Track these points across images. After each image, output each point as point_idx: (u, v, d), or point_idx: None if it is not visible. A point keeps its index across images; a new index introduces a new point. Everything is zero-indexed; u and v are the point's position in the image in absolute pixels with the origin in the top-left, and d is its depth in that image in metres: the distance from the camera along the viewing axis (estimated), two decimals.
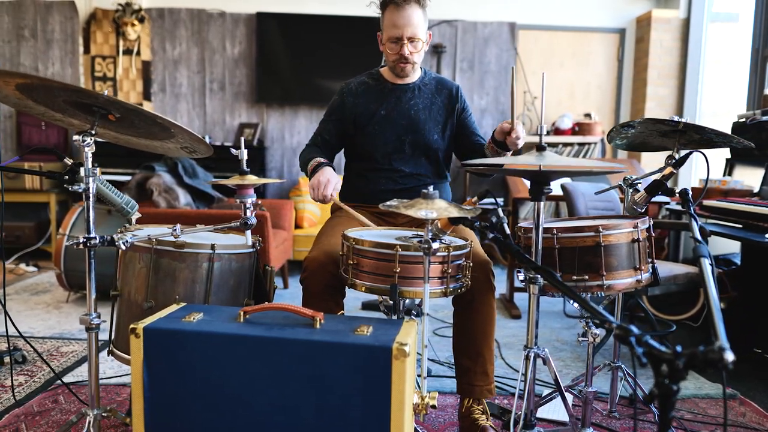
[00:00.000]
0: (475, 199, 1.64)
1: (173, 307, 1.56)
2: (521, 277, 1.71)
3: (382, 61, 2.26)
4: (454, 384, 2.01)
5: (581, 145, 5.20)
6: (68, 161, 1.59)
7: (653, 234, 1.84)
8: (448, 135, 2.26)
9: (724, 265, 3.48)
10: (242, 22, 5.31)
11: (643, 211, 1.86)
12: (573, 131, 5.24)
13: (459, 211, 1.45)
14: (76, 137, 1.53)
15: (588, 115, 5.35)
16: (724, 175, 3.81)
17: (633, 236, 1.74)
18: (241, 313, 1.46)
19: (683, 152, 1.83)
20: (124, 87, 5.31)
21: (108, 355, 1.85)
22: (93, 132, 1.54)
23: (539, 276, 1.66)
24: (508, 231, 1.44)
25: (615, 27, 5.43)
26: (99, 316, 1.62)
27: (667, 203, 3.56)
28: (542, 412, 2.20)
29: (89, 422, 1.61)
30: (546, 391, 2.18)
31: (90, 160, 1.55)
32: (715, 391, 2.46)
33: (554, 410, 2.21)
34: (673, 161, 1.76)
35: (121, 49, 5.26)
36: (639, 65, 5.36)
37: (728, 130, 3.45)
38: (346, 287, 1.82)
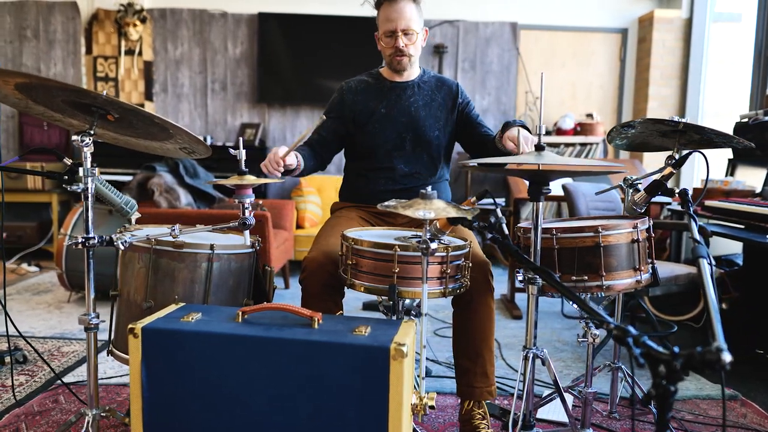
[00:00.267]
0: (474, 199, 1.64)
1: (172, 307, 1.56)
2: (520, 277, 1.71)
3: (382, 62, 2.26)
4: (454, 384, 2.00)
5: (583, 145, 5.19)
6: (67, 161, 1.60)
7: (653, 234, 1.83)
8: (449, 132, 2.25)
9: (726, 266, 3.47)
10: (244, 23, 5.32)
11: (642, 211, 1.85)
12: (575, 131, 5.23)
13: (457, 212, 1.45)
14: (74, 137, 1.53)
15: (590, 116, 5.34)
16: (726, 176, 3.79)
17: (632, 237, 1.74)
18: (240, 313, 1.46)
19: (683, 152, 1.83)
20: (125, 87, 5.32)
21: (107, 355, 1.85)
22: (92, 132, 1.54)
23: (538, 276, 1.66)
24: (506, 231, 1.43)
25: (617, 27, 5.42)
26: (98, 316, 1.62)
27: (669, 204, 3.56)
28: (542, 413, 2.20)
29: (88, 422, 1.62)
30: (546, 392, 2.17)
31: (89, 160, 1.55)
32: (717, 392, 2.45)
33: (554, 411, 2.20)
34: (673, 161, 1.75)
35: (123, 49, 5.27)
36: (641, 65, 5.35)
37: (731, 131, 3.45)
38: (346, 287, 1.82)
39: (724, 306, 3.23)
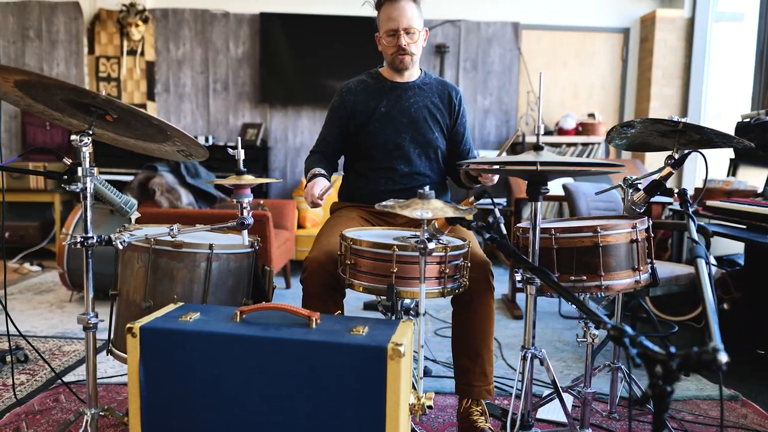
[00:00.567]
0: (472, 199, 1.64)
1: (170, 307, 1.56)
2: (518, 277, 1.71)
3: (383, 62, 2.26)
4: (453, 384, 2.00)
5: (585, 145, 5.18)
6: (67, 161, 1.60)
7: (652, 235, 1.83)
8: (446, 135, 2.26)
9: (728, 266, 3.46)
10: (246, 23, 5.32)
11: (642, 211, 1.85)
12: (576, 131, 5.22)
13: (455, 212, 1.45)
14: (73, 137, 1.54)
15: (592, 115, 5.34)
16: (728, 176, 3.78)
17: (631, 237, 1.73)
18: (238, 313, 1.46)
19: (682, 152, 1.82)
20: (128, 87, 5.33)
21: (107, 355, 1.85)
22: (90, 132, 1.55)
23: (536, 276, 1.66)
24: (504, 231, 1.43)
25: (619, 27, 5.41)
26: (96, 316, 1.62)
27: (671, 204, 3.55)
28: (542, 413, 2.19)
29: (86, 421, 1.62)
30: (546, 392, 2.17)
31: (87, 159, 1.55)
32: (717, 392, 2.44)
33: (554, 411, 2.20)
34: (673, 161, 1.75)
35: (125, 49, 5.28)
36: (643, 65, 5.34)
37: (733, 131, 3.44)
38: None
39: (725, 306, 3.22)
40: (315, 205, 2.01)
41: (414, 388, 1.50)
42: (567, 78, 5.46)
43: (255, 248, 1.85)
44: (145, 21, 5.20)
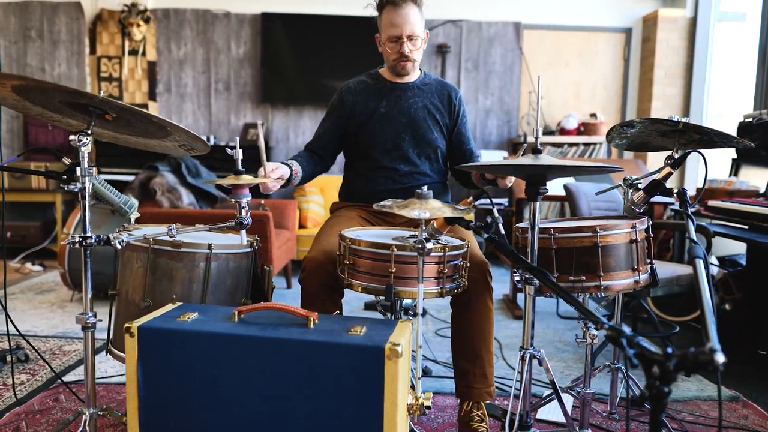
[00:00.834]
0: (471, 199, 1.63)
1: (169, 307, 1.56)
2: (517, 277, 1.70)
3: (383, 62, 2.26)
4: (454, 385, 1.99)
5: (587, 145, 5.17)
6: (66, 161, 1.60)
7: (652, 235, 1.82)
8: (446, 135, 2.26)
9: (730, 267, 3.45)
10: (247, 23, 5.33)
11: (641, 211, 1.84)
12: (578, 131, 5.21)
13: (453, 211, 1.45)
14: (72, 137, 1.54)
15: (593, 115, 5.33)
16: (730, 176, 3.78)
17: (631, 237, 1.73)
18: (236, 313, 1.46)
19: (682, 152, 1.81)
20: (129, 87, 5.34)
21: (106, 354, 1.85)
22: (89, 132, 1.55)
23: (534, 276, 1.65)
24: (502, 231, 1.43)
25: (621, 26, 5.40)
26: (95, 315, 1.62)
27: (672, 204, 3.54)
28: (542, 414, 2.19)
29: (85, 421, 1.62)
30: (546, 392, 2.16)
31: (86, 159, 1.55)
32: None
33: (554, 411, 2.20)
34: (672, 161, 1.74)
35: (126, 49, 5.29)
36: (645, 65, 5.33)
37: (735, 131, 3.43)
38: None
39: (727, 307, 3.21)
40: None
41: (412, 388, 1.49)
42: (569, 78, 5.45)
43: (254, 248, 1.85)
44: (147, 21, 5.21)
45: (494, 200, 1.62)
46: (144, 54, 5.31)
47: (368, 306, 3.68)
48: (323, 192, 5.10)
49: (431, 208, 1.44)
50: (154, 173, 4.03)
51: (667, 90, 5.18)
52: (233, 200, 1.68)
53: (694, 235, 1.34)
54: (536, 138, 1.62)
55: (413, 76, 2.25)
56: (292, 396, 1.36)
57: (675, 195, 1.70)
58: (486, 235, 1.39)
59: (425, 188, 1.50)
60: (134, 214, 1.93)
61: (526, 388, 1.72)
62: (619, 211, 3.02)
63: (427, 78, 2.28)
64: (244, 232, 1.74)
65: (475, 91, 5.41)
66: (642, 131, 1.90)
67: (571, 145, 5.18)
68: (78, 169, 1.54)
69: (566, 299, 1.21)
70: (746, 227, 2.70)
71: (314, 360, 1.34)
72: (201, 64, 5.38)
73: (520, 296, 3.78)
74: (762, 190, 3.28)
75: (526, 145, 1.90)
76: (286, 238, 4.00)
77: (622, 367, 2.16)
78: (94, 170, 1.58)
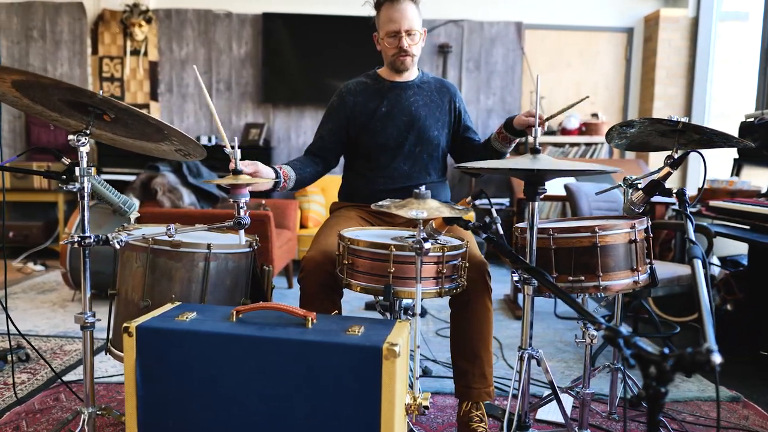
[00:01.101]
0: (469, 199, 1.63)
1: (167, 306, 1.57)
2: (516, 277, 1.70)
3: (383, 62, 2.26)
4: (453, 385, 1.99)
5: (588, 145, 5.17)
6: (65, 161, 1.60)
7: (652, 235, 1.82)
8: (448, 132, 2.26)
9: (732, 267, 3.44)
10: (248, 23, 5.33)
11: (641, 211, 1.84)
12: (580, 131, 5.21)
13: (451, 211, 1.45)
14: (71, 137, 1.54)
15: (595, 115, 5.32)
16: (731, 176, 3.77)
17: (630, 237, 1.72)
18: (234, 313, 1.46)
19: (681, 152, 1.81)
20: (131, 87, 5.35)
21: (106, 354, 1.86)
22: (88, 132, 1.55)
23: (532, 276, 1.65)
24: (501, 231, 1.42)
25: (623, 26, 5.39)
26: (94, 315, 1.62)
27: (674, 204, 3.53)
28: (542, 414, 2.19)
29: (84, 420, 1.62)
30: (546, 393, 2.16)
31: (85, 159, 1.55)
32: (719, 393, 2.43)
33: (554, 412, 2.19)
34: (672, 161, 1.74)
35: (128, 49, 5.30)
36: (647, 65, 5.32)
37: (736, 130, 3.42)
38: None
39: (729, 307, 3.21)
40: (236, 171, 1.72)
41: (411, 388, 1.49)
42: (570, 78, 5.44)
43: (253, 248, 1.85)
44: (149, 21, 5.22)
45: (494, 200, 1.61)
46: (146, 54, 5.32)
47: (369, 306, 3.68)
48: (324, 192, 5.10)
49: (429, 208, 1.43)
50: (156, 173, 4.04)
51: (668, 90, 5.17)
52: (232, 200, 1.68)
53: (692, 235, 1.33)
54: (534, 138, 1.62)
55: (412, 74, 2.24)
56: (290, 396, 1.36)
57: (674, 195, 1.70)
58: (484, 235, 1.39)
59: (423, 188, 1.49)
60: (134, 214, 1.94)
61: (525, 388, 1.72)
62: (620, 211, 3.01)
63: (426, 76, 2.28)
64: (242, 231, 1.74)
65: (477, 91, 5.41)
66: (641, 131, 1.90)
67: (572, 145, 5.18)
68: (77, 169, 1.55)
69: (564, 299, 1.21)
70: (748, 227, 2.69)
71: (312, 360, 1.35)
72: (202, 64, 5.38)
73: (520, 296, 3.77)
74: (764, 191, 3.27)
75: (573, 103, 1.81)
76: (287, 238, 4.00)
77: (622, 368, 2.15)
78: (93, 170, 1.58)
